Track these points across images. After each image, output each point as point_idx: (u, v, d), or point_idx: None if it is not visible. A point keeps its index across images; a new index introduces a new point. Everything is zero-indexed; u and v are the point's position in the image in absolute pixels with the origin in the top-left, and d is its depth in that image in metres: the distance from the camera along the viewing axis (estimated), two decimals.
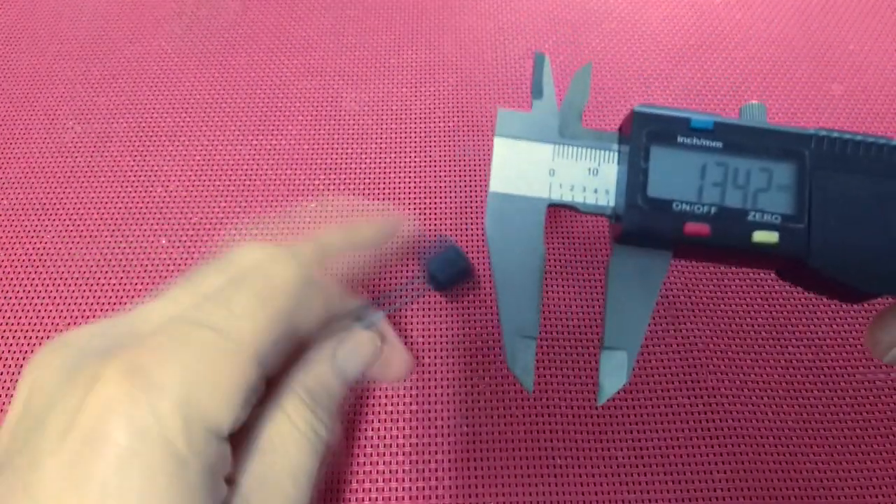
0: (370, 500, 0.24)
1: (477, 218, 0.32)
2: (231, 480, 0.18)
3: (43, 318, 0.29)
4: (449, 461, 0.25)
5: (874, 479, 0.25)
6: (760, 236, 0.17)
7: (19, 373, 0.27)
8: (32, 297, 0.29)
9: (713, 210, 0.18)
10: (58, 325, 0.29)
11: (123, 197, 0.33)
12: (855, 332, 0.28)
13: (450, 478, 0.25)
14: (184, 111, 0.36)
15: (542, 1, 0.41)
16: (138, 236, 0.31)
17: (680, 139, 0.18)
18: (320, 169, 0.34)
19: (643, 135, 0.18)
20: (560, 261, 0.30)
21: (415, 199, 0.32)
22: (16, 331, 0.29)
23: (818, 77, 0.37)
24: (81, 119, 0.36)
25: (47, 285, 0.30)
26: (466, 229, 0.31)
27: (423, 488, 0.25)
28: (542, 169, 0.19)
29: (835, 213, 0.18)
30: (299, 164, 0.34)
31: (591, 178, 0.18)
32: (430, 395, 0.27)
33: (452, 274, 0.24)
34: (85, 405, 0.15)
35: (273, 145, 0.34)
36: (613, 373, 0.18)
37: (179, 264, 0.30)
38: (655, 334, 0.28)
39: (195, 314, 0.17)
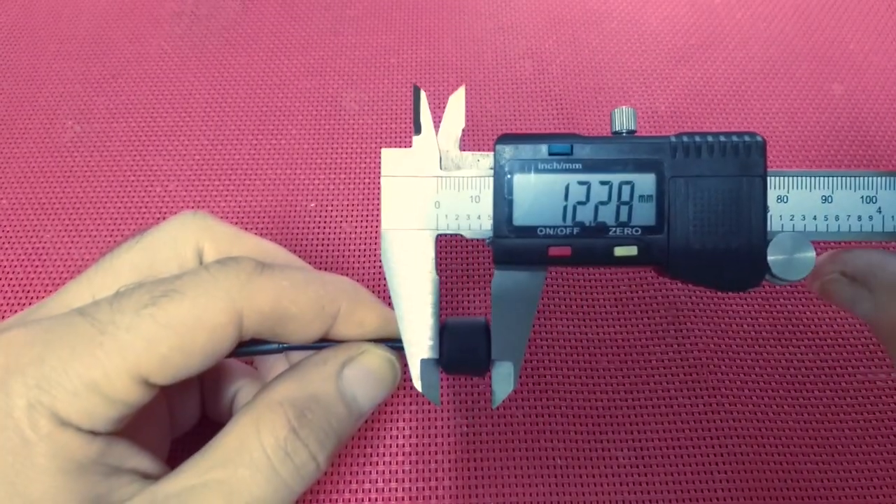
0: (370, 500, 0.24)
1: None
2: (153, 476, 0.17)
3: None
4: (449, 462, 0.25)
5: (875, 479, 0.25)
6: (621, 251, 0.19)
7: None
8: (31, 297, 0.29)
9: (576, 230, 0.19)
10: None
11: (123, 196, 0.32)
12: (856, 332, 0.28)
13: (450, 478, 0.25)
14: (183, 111, 0.36)
15: (541, 1, 0.41)
16: None
17: (541, 165, 0.19)
18: (320, 168, 0.33)
19: (505, 165, 0.19)
20: None
21: None
22: None
23: (818, 76, 0.37)
24: (81, 118, 0.36)
25: (46, 284, 0.30)
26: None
27: (423, 489, 0.25)
28: (428, 202, 0.19)
29: (691, 219, 0.19)
30: (299, 163, 0.34)
31: (473, 205, 0.19)
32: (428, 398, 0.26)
33: (464, 362, 0.20)
34: None
35: (273, 145, 0.34)
36: (502, 381, 0.19)
37: None
38: (656, 334, 0.28)
39: (87, 305, 0.17)
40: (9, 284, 0.30)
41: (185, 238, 0.20)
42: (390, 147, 0.20)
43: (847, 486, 0.25)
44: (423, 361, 0.19)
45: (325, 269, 0.30)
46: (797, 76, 0.37)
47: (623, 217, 0.19)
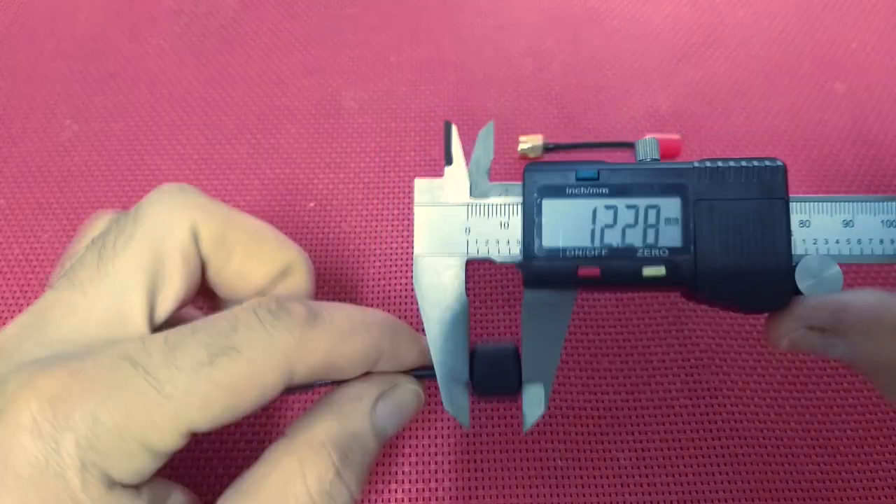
0: (370, 502, 0.24)
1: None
2: None
3: None
4: (449, 463, 0.25)
5: (877, 479, 0.25)
6: (649, 271, 0.19)
7: None
8: (30, 297, 0.29)
9: (604, 252, 0.19)
10: None
11: (121, 196, 0.32)
12: None
13: (450, 480, 0.25)
14: (182, 110, 0.36)
15: None
16: None
17: (569, 190, 0.20)
18: (319, 168, 0.33)
19: (534, 190, 0.20)
20: None
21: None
22: None
23: (820, 75, 0.37)
24: (79, 118, 0.35)
25: (44, 285, 0.29)
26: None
27: (423, 490, 0.24)
28: (459, 228, 0.20)
29: (719, 239, 0.19)
30: (298, 162, 0.33)
31: (502, 231, 0.20)
32: (429, 397, 0.26)
33: (495, 385, 0.20)
34: None
35: (272, 144, 0.34)
36: (533, 404, 0.20)
37: None
38: (657, 335, 0.28)
39: (136, 351, 0.16)
40: (6, 284, 0.30)
41: (181, 222, 0.19)
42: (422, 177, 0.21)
43: (849, 486, 0.25)
44: (452, 384, 0.20)
45: (325, 269, 0.30)
46: (799, 75, 0.37)
47: (650, 239, 0.19)
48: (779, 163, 0.20)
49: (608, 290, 0.21)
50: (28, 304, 0.29)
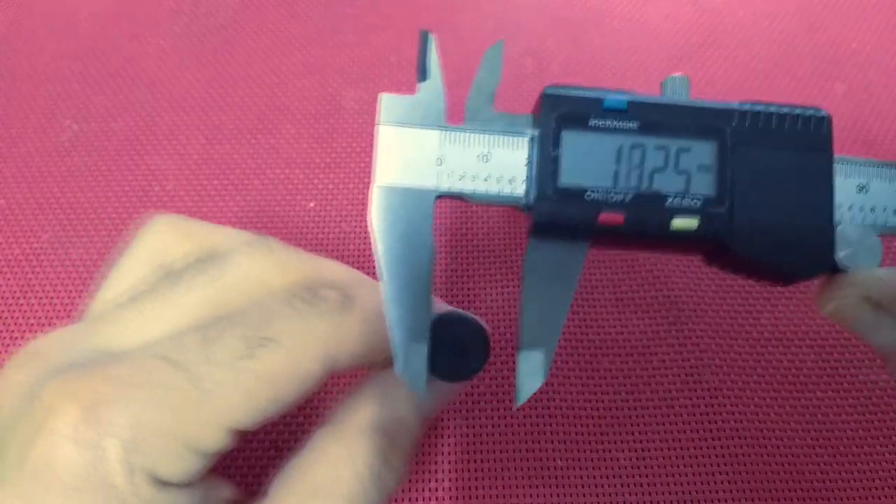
0: None
1: (477, 218, 0.31)
2: None
3: (40, 318, 0.29)
4: (449, 463, 0.25)
5: (877, 479, 0.25)
6: (680, 223, 0.17)
7: None
8: (30, 298, 0.29)
9: (629, 197, 0.17)
10: (55, 325, 0.28)
11: (121, 196, 0.32)
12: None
13: (450, 479, 0.25)
14: (182, 109, 0.36)
15: None
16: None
17: (592, 122, 0.17)
18: (319, 168, 0.33)
19: (553, 119, 0.17)
20: None
21: None
22: (13, 331, 0.28)
23: (820, 75, 0.37)
24: (79, 118, 0.35)
25: (44, 285, 0.30)
26: (466, 231, 0.31)
27: (423, 490, 0.24)
28: (429, 157, 0.17)
29: (757, 192, 0.17)
30: (298, 163, 0.33)
31: (481, 164, 0.17)
32: None
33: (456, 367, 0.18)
34: (38, 436, 0.15)
35: (272, 144, 0.34)
36: (531, 373, 0.17)
37: None
38: (657, 334, 0.28)
39: (173, 350, 0.16)
40: (7, 285, 0.30)
41: (260, 279, 0.18)
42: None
43: (849, 486, 0.25)
44: (410, 344, 0.17)
45: None
46: (799, 75, 0.37)
47: (681, 186, 0.17)
48: (824, 113, 0.18)
49: (627, 244, 0.18)
50: (29, 305, 0.29)
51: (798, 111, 0.18)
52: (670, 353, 0.28)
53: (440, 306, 0.20)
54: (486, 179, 0.17)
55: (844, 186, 0.18)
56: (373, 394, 0.18)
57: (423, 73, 0.18)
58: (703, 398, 0.26)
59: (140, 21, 0.40)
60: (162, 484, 0.15)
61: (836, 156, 0.18)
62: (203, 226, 0.20)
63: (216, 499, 0.17)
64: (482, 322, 0.19)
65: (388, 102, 0.18)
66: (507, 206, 0.18)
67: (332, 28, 0.40)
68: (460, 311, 0.19)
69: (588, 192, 0.17)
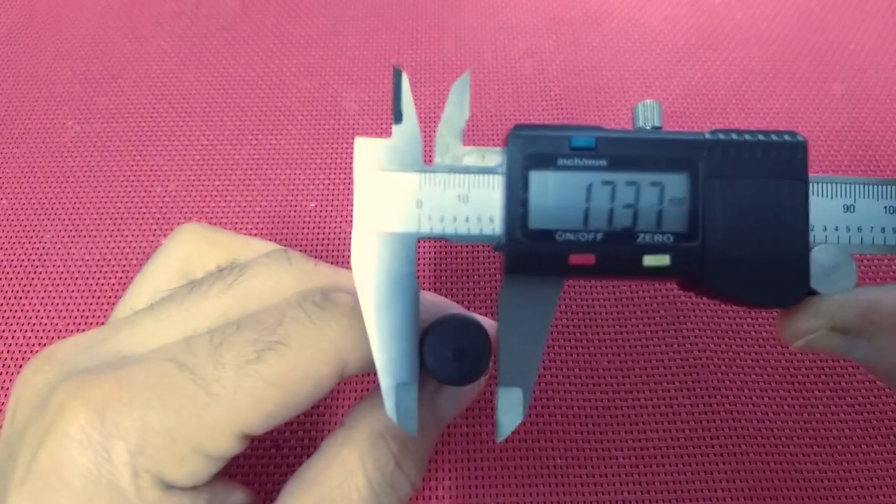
0: None
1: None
2: None
3: (42, 318, 0.29)
4: (448, 462, 0.25)
5: (875, 479, 0.25)
6: (651, 260, 0.17)
7: (18, 372, 0.27)
8: (32, 298, 0.29)
9: (599, 236, 0.17)
10: (56, 325, 0.29)
11: (123, 197, 0.32)
12: None
13: (449, 478, 0.25)
14: (183, 111, 0.36)
15: (541, 0, 0.41)
16: (137, 237, 0.31)
17: (560, 161, 0.17)
18: (320, 169, 0.33)
19: (521, 160, 0.17)
20: None
21: None
22: (15, 332, 0.28)
23: (818, 77, 0.37)
24: (81, 119, 0.36)
25: (46, 286, 0.30)
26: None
27: (423, 489, 0.25)
28: (409, 201, 0.17)
29: (730, 223, 0.17)
30: (299, 163, 0.34)
31: (461, 205, 0.17)
32: None
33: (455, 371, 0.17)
34: (47, 438, 0.15)
35: (273, 145, 0.34)
36: (510, 410, 0.17)
37: None
38: (656, 333, 0.28)
39: (182, 353, 0.16)
40: (9, 285, 0.30)
41: (283, 290, 0.18)
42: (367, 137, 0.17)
43: (847, 485, 0.25)
44: (398, 387, 0.16)
45: None
46: (797, 76, 0.37)
47: (653, 223, 0.17)
48: (799, 138, 0.17)
49: (602, 278, 0.18)
50: (31, 305, 0.29)
51: (773, 138, 0.17)
52: (669, 352, 0.28)
53: (437, 305, 0.20)
54: (466, 220, 0.17)
55: (830, 207, 0.18)
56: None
57: (398, 116, 0.17)
58: (702, 397, 0.26)
59: (141, 22, 0.40)
60: (168, 487, 0.15)
61: (821, 175, 0.18)
62: (228, 235, 0.20)
63: (222, 500, 0.17)
64: (481, 319, 0.19)
65: (363, 147, 0.17)
66: (488, 244, 0.18)
67: (333, 30, 0.40)
68: (457, 313, 0.19)
69: (558, 234, 0.17)
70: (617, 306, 0.29)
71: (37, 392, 0.16)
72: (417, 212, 0.17)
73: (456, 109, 0.18)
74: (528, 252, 0.17)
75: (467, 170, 0.17)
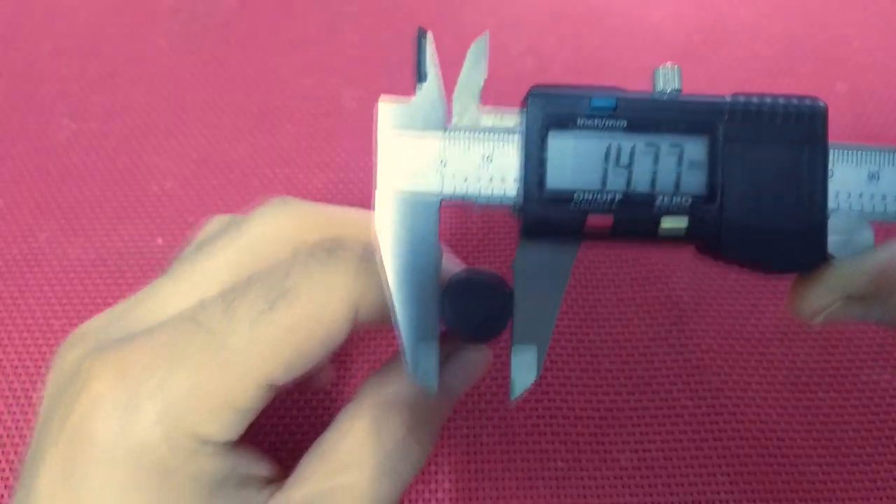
0: None
1: (476, 218, 0.31)
2: (273, 480, 0.17)
3: (38, 318, 0.29)
4: (448, 465, 0.25)
5: (880, 481, 0.25)
6: (669, 223, 0.17)
7: (14, 373, 0.27)
8: (28, 298, 0.29)
9: (618, 197, 0.17)
10: (53, 325, 0.28)
11: (119, 196, 0.32)
12: (860, 333, 0.28)
13: (450, 481, 0.24)
14: (180, 108, 0.36)
15: None
16: (134, 236, 0.31)
17: (580, 121, 0.17)
18: (318, 167, 0.33)
19: (539, 120, 0.17)
20: None
21: None
22: (11, 332, 0.28)
23: (822, 74, 0.37)
24: (77, 117, 0.35)
25: (42, 285, 0.29)
26: (466, 229, 0.31)
27: (423, 491, 0.24)
28: (432, 161, 0.17)
29: (749, 187, 0.17)
30: (297, 162, 0.33)
31: (485, 166, 0.17)
32: None
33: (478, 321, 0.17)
34: (76, 403, 0.15)
35: (271, 143, 0.34)
36: (524, 369, 0.17)
37: None
38: (658, 335, 0.28)
39: (197, 312, 0.16)
40: (5, 285, 0.29)
41: (285, 231, 0.18)
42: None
43: (851, 488, 0.24)
44: (419, 345, 0.17)
45: None
46: (801, 74, 0.37)
47: (671, 185, 0.17)
48: (820, 103, 0.17)
49: (618, 242, 0.18)
50: (26, 305, 0.29)
51: (793, 103, 0.17)
52: (671, 353, 0.27)
53: (454, 264, 0.20)
54: (490, 180, 0.17)
55: (854, 174, 0.17)
56: (397, 371, 0.19)
57: (421, 75, 0.18)
58: (705, 398, 0.26)
59: (138, 20, 0.40)
60: (201, 444, 0.16)
61: (846, 143, 0.17)
62: (325, 210, 0.20)
63: (247, 466, 0.17)
64: (500, 277, 0.18)
65: (386, 107, 0.17)
66: (508, 206, 0.18)
67: (332, 27, 0.39)
68: (477, 269, 0.18)
69: (576, 195, 0.17)
70: (619, 307, 0.29)
71: (69, 367, 0.17)
72: (440, 172, 0.17)
73: (473, 70, 0.18)
74: (545, 214, 0.17)
75: (492, 129, 0.17)
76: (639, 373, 0.27)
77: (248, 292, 0.16)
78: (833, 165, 0.17)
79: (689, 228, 0.17)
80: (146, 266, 0.30)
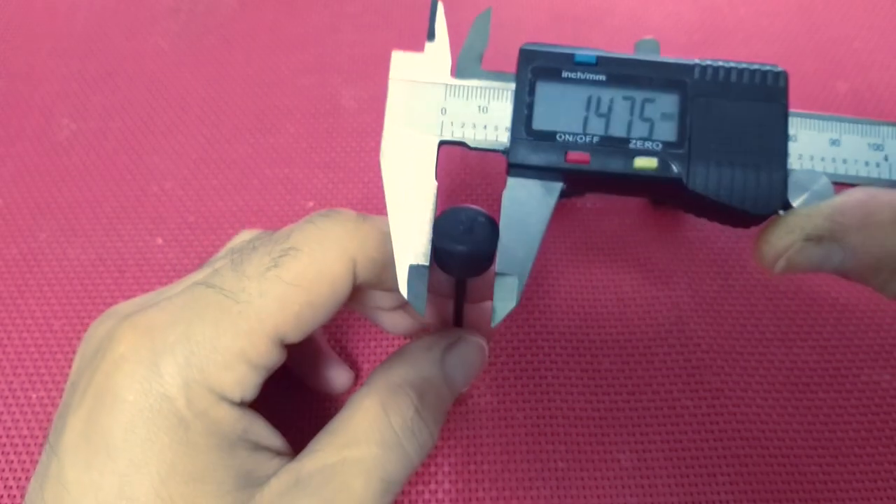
0: None
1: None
2: (284, 454, 0.18)
3: (38, 318, 0.28)
4: (449, 465, 0.25)
5: (880, 481, 0.25)
6: (641, 162, 0.19)
7: (14, 373, 0.27)
8: (27, 298, 0.29)
9: (596, 139, 0.19)
10: (52, 325, 0.28)
11: (119, 196, 0.32)
12: (860, 333, 0.28)
13: (450, 482, 0.24)
14: (180, 108, 0.35)
15: None
16: (133, 236, 0.31)
17: (565, 74, 0.19)
18: (318, 167, 0.33)
19: (529, 71, 0.19)
20: (561, 261, 0.30)
21: None
22: (10, 331, 0.28)
23: (823, 74, 0.37)
24: (76, 117, 0.35)
25: (42, 285, 0.29)
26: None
27: (423, 492, 0.24)
28: (434, 108, 0.19)
29: (715, 137, 0.19)
30: (297, 161, 0.33)
31: (480, 115, 0.19)
32: None
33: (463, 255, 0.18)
34: (102, 362, 0.16)
35: (270, 143, 0.34)
36: (505, 296, 0.18)
37: (175, 264, 0.30)
38: (658, 335, 0.28)
39: (209, 275, 0.18)
40: (4, 285, 0.29)
41: (332, 250, 0.18)
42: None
43: (851, 488, 0.24)
44: (412, 268, 0.18)
45: None
46: (801, 73, 0.37)
47: (644, 132, 0.19)
48: (780, 69, 0.19)
49: (596, 185, 0.20)
50: (25, 305, 0.29)
51: (755, 67, 0.19)
52: (672, 353, 0.27)
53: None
54: (484, 128, 0.19)
55: (817, 140, 0.19)
56: (402, 359, 0.20)
57: (431, 34, 0.20)
58: (705, 399, 0.26)
59: (138, 19, 0.40)
60: (218, 399, 0.16)
61: (809, 112, 0.19)
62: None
63: (259, 434, 0.18)
64: (484, 211, 0.19)
65: (399, 59, 0.20)
66: (499, 152, 0.19)
67: (331, 26, 0.39)
68: (468, 206, 0.20)
69: (559, 135, 0.19)
70: (619, 307, 0.29)
71: (97, 338, 0.18)
72: (441, 118, 0.19)
73: (477, 37, 0.20)
74: (530, 149, 0.19)
75: (490, 76, 0.20)
76: (639, 373, 0.27)
77: (254, 254, 0.18)
78: (797, 131, 0.19)
79: (658, 167, 0.19)
80: (146, 266, 0.30)
